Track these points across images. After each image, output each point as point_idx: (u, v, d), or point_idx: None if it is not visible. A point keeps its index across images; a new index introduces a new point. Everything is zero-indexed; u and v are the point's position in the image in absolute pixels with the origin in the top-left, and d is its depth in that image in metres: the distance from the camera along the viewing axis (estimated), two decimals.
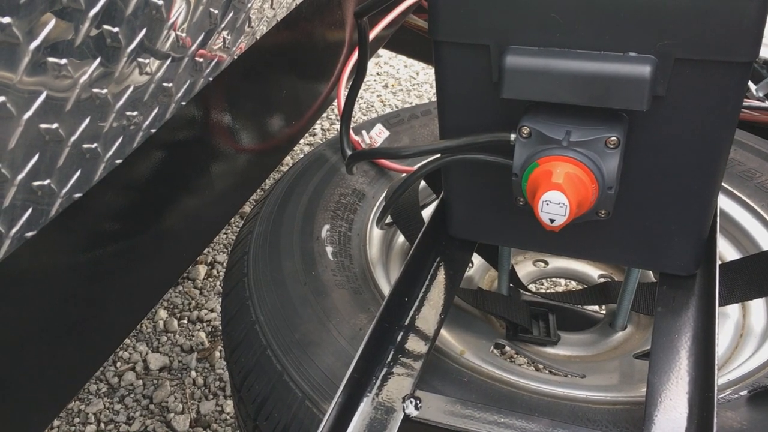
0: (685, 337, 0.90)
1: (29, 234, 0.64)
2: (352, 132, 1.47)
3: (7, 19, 0.53)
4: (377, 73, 3.57)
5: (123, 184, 0.82)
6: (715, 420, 0.76)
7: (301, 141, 2.94)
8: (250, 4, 0.92)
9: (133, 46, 0.68)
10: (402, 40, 2.20)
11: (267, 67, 1.16)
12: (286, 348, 1.03)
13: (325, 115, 3.11)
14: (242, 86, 1.08)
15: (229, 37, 0.91)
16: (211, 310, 2.14)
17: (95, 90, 0.65)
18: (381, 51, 2.64)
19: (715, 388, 0.80)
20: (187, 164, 0.99)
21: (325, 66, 1.42)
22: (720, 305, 1.11)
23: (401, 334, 0.96)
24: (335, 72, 1.46)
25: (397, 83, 3.47)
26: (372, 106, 3.27)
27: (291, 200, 1.32)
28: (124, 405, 1.86)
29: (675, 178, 0.87)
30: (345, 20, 1.44)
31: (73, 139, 0.64)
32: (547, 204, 0.80)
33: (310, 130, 3.00)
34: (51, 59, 0.58)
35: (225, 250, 2.38)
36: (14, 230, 0.62)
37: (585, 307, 1.37)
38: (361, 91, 3.35)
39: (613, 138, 0.79)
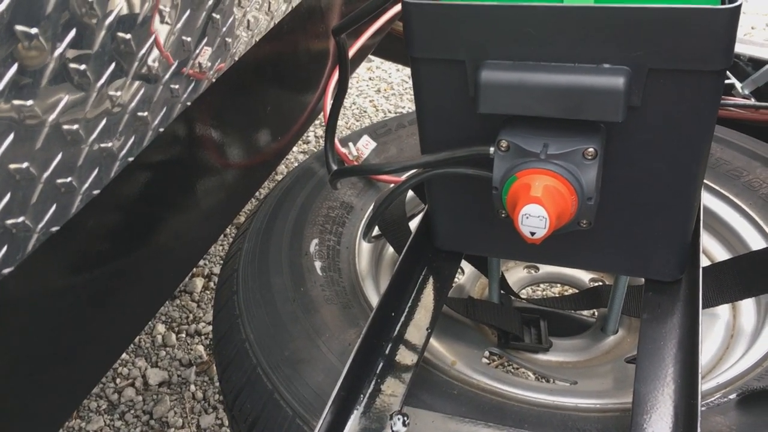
0: (670, 344, 0.90)
1: (6, 270, 0.65)
2: (338, 144, 1.47)
3: None
4: (369, 78, 3.57)
5: (106, 209, 0.82)
6: (699, 428, 0.77)
7: (295, 149, 2.94)
8: (224, 29, 0.92)
9: (102, 81, 0.68)
10: (390, 47, 2.20)
11: (250, 84, 1.16)
12: (276, 366, 1.03)
13: (318, 121, 3.11)
14: (224, 104, 1.08)
15: (204, 62, 0.91)
16: (209, 323, 2.14)
17: (66, 126, 0.65)
18: (372, 56, 2.64)
19: (699, 396, 0.80)
20: (172, 185, 0.99)
21: (309, 79, 1.42)
22: (710, 306, 1.12)
23: (389, 348, 0.97)
24: (321, 84, 1.46)
25: (390, 87, 3.47)
26: (365, 111, 3.27)
27: (279, 215, 1.32)
28: (124, 421, 1.86)
29: (655, 185, 0.88)
30: (328, 32, 1.44)
31: (45, 175, 0.65)
32: (527, 217, 0.80)
33: (304, 137, 3.00)
34: (16, 102, 0.58)
35: (222, 261, 2.38)
36: None
37: (576, 311, 1.37)
38: (353, 96, 3.36)
39: (590, 149, 0.80)
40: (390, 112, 3.25)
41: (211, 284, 2.29)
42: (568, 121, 0.80)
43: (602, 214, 0.90)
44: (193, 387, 1.94)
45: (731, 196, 1.30)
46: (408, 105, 3.30)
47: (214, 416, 1.86)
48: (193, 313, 2.18)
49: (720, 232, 1.31)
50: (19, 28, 0.56)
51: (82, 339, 0.87)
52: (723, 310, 1.20)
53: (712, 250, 1.30)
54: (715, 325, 1.18)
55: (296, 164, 2.11)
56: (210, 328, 2.12)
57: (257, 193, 2.41)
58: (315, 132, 3.08)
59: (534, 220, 0.80)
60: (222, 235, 2.27)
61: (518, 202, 0.81)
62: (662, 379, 0.86)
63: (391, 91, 3.43)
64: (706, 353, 1.12)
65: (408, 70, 3.69)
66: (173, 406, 1.89)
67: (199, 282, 2.28)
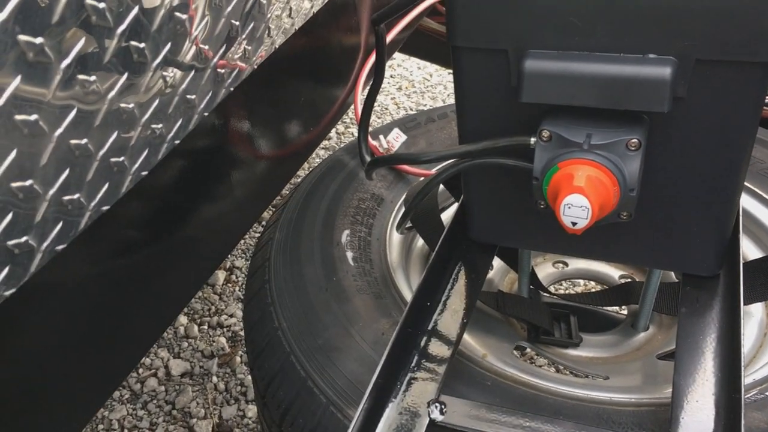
0: (710, 338, 0.89)
1: (60, 247, 0.65)
2: (369, 137, 1.47)
3: (39, 40, 0.54)
4: (391, 76, 3.58)
5: (148, 195, 0.83)
6: (742, 421, 0.76)
7: None
8: (269, 15, 0.93)
9: (158, 60, 0.69)
10: (416, 43, 2.20)
11: (285, 75, 1.17)
12: (309, 354, 1.04)
13: None
14: (261, 94, 1.09)
15: (249, 48, 0.92)
16: (231, 316, 2.15)
17: (122, 104, 0.66)
18: (394, 54, 2.65)
19: (742, 389, 0.79)
20: (210, 173, 1.00)
21: (341, 72, 1.43)
22: (744, 304, 1.11)
23: (424, 339, 0.97)
24: (351, 77, 1.47)
25: (411, 85, 3.47)
26: (386, 108, 3.27)
27: (310, 206, 1.33)
28: (147, 411, 1.88)
29: (697, 178, 0.87)
30: (360, 26, 1.44)
31: (101, 153, 0.65)
32: (569, 207, 0.79)
33: None
34: (81, 76, 0.59)
35: (244, 255, 2.39)
36: (45, 244, 0.63)
37: (606, 308, 1.36)
38: None
39: (634, 140, 0.79)
40: (411, 109, 3.26)
41: (233, 277, 2.30)
42: (611, 111, 0.80)
43: (642, 207, 0.89)
44: (215, 378, 1.95)
45: (765, 195, 1.29)
46: (429, 102, 3.30)
47: (236, 408, 1.87)
48: (215, 305, 2.20)
49: (753, 231, 1.30)
50: (89, 1, 0.56)
51: (117, 328, 0.88)
52: (756, 308, 1.20)
53: (745, 249, 1.29)
54: (748, 323, 1.17)
55: (318, 161, 2.11)
56: (232, 320, 2.13)
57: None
58: (336, 129, 3.09)
59: (576, 210, 0.79)
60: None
61: (560, 192, 0.81)
62: (702, 373, 0.85)
63: (412, 89, 3.44)
64: None
65: (429, 68, 3.69)
66: (195, 396, 1.91)
67: (222, 275, 2.29)
